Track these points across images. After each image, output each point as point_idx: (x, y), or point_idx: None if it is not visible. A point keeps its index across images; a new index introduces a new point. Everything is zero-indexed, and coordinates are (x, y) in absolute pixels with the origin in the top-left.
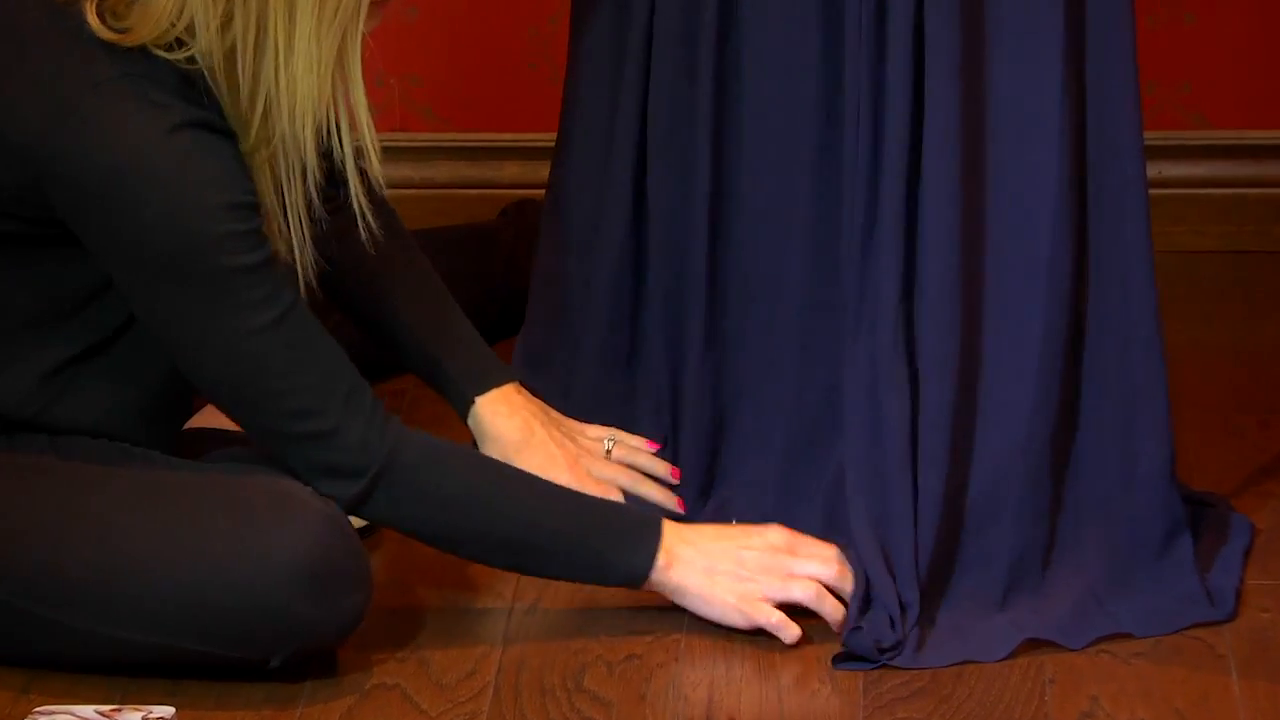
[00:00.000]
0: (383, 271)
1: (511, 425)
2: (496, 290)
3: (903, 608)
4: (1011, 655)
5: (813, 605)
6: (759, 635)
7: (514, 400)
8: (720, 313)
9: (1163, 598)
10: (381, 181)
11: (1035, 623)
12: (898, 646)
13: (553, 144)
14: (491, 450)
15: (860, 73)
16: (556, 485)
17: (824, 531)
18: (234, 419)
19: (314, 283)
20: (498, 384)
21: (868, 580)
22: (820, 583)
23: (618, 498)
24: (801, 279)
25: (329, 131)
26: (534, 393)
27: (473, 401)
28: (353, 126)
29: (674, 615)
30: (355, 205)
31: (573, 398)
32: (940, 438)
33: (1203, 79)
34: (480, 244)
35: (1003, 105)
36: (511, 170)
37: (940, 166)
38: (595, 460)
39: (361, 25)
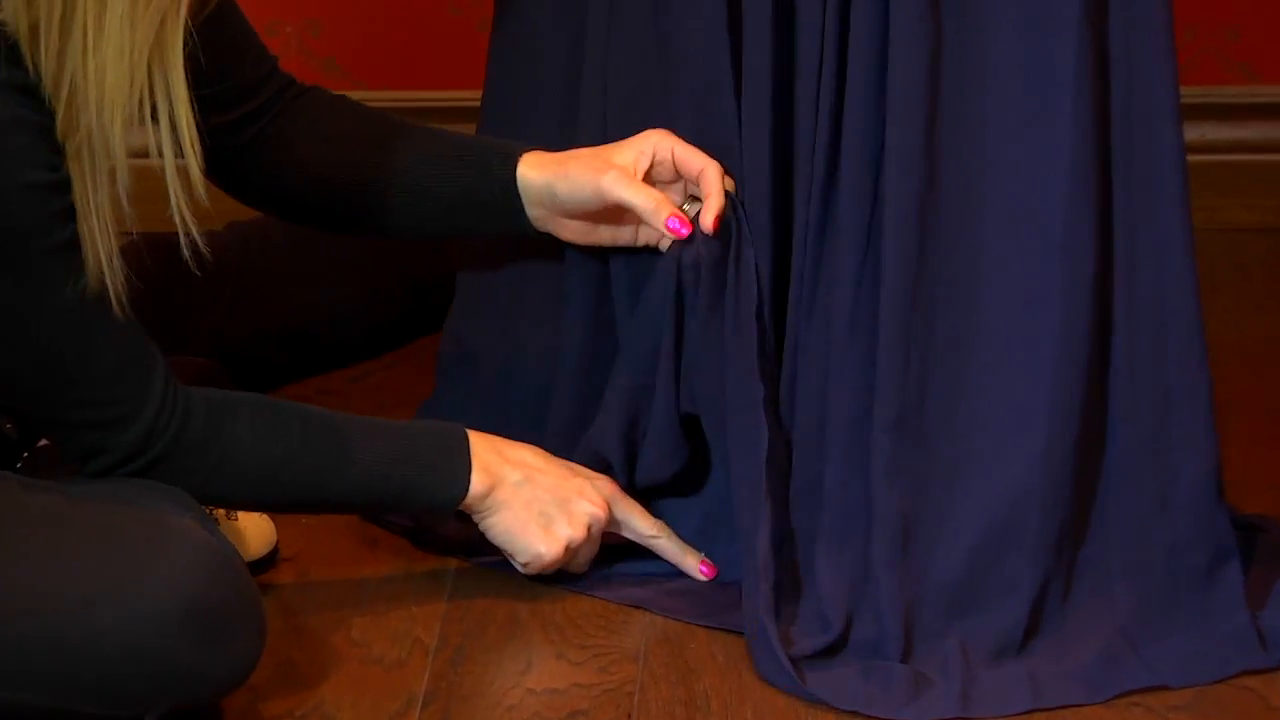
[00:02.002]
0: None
1: (566, 156)
2: (415, 279)
3: (882, 640)
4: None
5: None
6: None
7: (543, 155)
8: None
9: (1206, 640)
10: (203, 191)
11: (1054, 674)
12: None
13: (478, 104)
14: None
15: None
16: (364, 425)
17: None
18: (12, 405)
19: (123, 296)
20: (521, 152)
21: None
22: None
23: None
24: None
25: (149, 128)
26: (460, 394)
27: (519, 155)
28: (171, 124)
29: (618, 670)
30: (176, 217)
31: (513, 399)
32: (901, 446)
33: (1252, 24)
34: None
35: (995, 50)
36: None
37: (901, 125)
38: None
39: (184, 9)
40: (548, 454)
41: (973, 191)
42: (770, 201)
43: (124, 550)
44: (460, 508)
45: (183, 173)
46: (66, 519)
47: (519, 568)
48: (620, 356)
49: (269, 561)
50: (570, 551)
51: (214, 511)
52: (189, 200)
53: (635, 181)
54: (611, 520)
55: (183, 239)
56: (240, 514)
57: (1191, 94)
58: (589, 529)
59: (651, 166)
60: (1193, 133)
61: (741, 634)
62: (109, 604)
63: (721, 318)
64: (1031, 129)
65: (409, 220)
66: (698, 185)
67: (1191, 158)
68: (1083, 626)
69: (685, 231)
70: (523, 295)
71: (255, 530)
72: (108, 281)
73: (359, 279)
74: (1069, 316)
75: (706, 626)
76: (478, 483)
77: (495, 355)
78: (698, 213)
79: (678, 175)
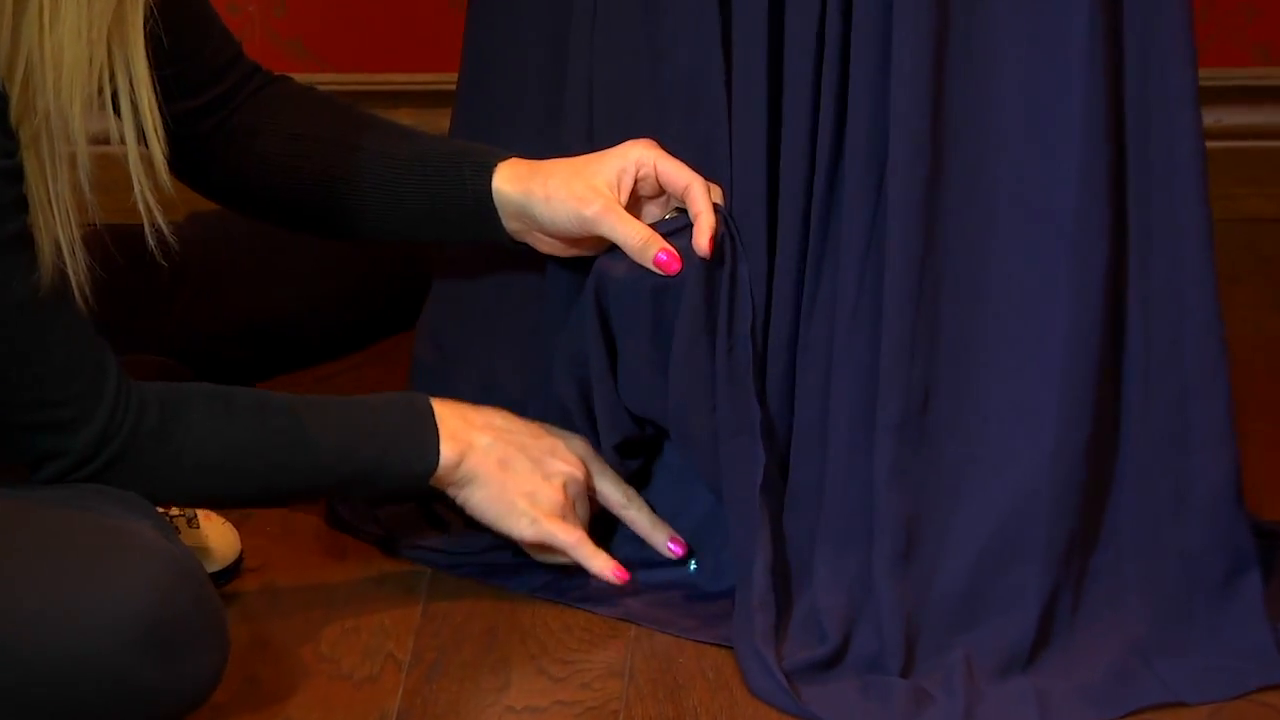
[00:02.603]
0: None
1: (548, 168)
2: (386, 275)
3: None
4: None
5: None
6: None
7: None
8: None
9: (1224, 654)
10: (167, 177)
11: (1064, 690)
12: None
13: (454, 88)
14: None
15: None
16: (324, 403)
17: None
18: None
19: (86, 288)
20: (499, 160)
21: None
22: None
23: None
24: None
25: (109, 111)
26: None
27: (494, 167)
28: (133, 105)
29: (602, 686)
30: (140, 204)
31: (495, 398)
32: (905, 447)
33: (1271, 4)
34: None
35: (1003, 30)
36: (404, 119)
37: (906, 110)
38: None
39: None
40: (515, 415)
41: (979, 180)
42: (766, 200)
43: (78, 560)
44: (433, 482)
45: (146, 158)
46: (17, 526)
47: (521, 538)
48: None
49: (233, 571)
50: (560, 511)
51: (174, 519)
52: (153, 187)
53: (620, 215)
54: (588, 479)
55: (147, 228)
56: (203, 522)
57: (1208, 77)
58: (564, 488)
59: (635, 183)
60: (1208, 118)
61: (731, 648)
62: (62, 618)
63: (711, 337)
64: (1041, 113)
65: (377, 225)
66: (683, 202)
67: (1207, 144)
68: (1094, 639)
69: (676, 267)
70: (505, 299)
71: (218, 538)
72: (69, 273)
73: (326, 274)
74: (1080, 311)
75: (695, 640)
76: (448, 451)
77: (475, 363)
78: (688, 240)
79: (661, 190)
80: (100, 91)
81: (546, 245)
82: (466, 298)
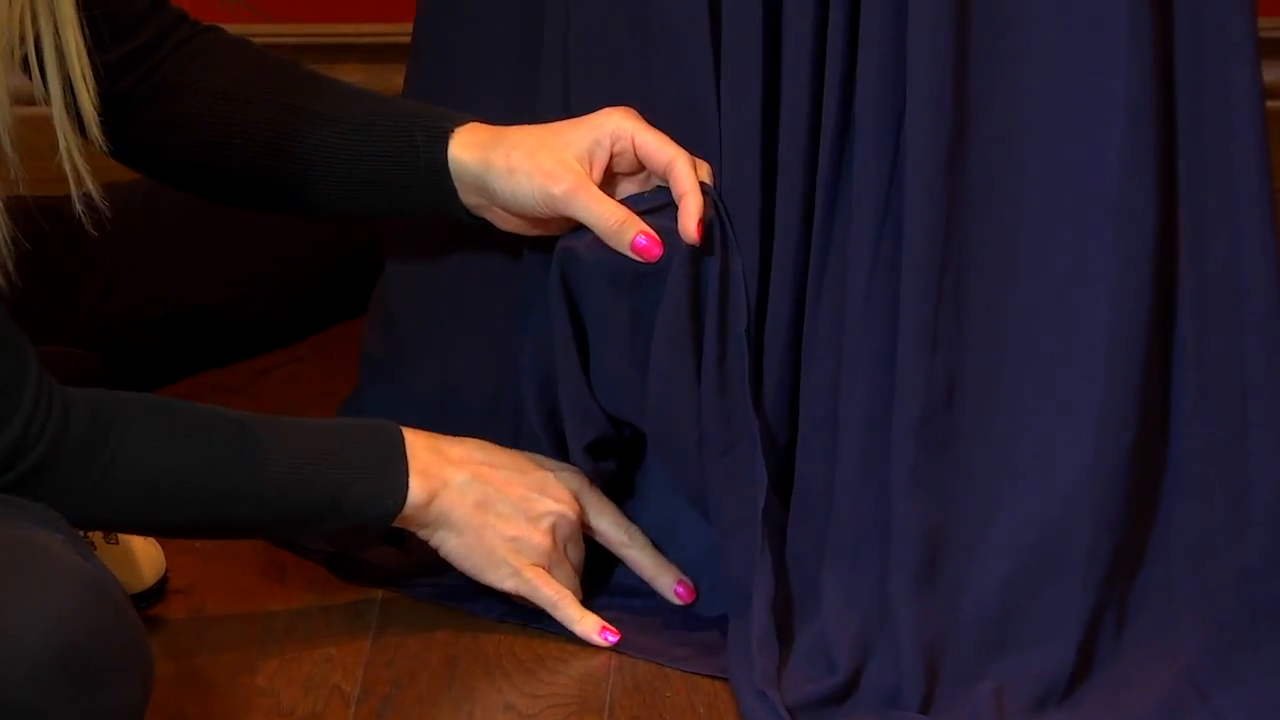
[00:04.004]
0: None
1: (511, 136)
2: (333, 255)
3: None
4: None
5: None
6: None
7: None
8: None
9: None
10: (98, 130)
11: None
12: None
13: (408, 39)
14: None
15: None
16: (278, 425)
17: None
18: None
19: (9, 263)
20: (457, 124)
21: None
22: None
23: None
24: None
25: (31, 60)
26: (390, 398)
27: (451, 132)
28: (59, 54)
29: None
30: (66, 164)
31: (458, 404)
32: (926, 451)
33: None
34: None
35: None
36: (352, 77)
37: (926, 65)
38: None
39: None
40: (496, 446)
41: (1010, 144)
42: (760, 172)
43: None
44: (399, 523)
45: (72, 111)
46: None
47: (567, 623)
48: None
49: (156, 594)
50: (546, 559)
51: (89, 534)
52: (81, 146)
53: (593, 193)
54: (582, 516)
55: (75, 193)
56: (122, 537)
57: (1268, 27)
58: (552, 531)
59: (610, 158)
60: (1270, 74)
61: (726, 680)
62: None
63: (696, 338)
64: (1080, 68)
65: (321, 198)
66: (665, 180)
67: (1270, 104)
68: (1140, 669)
69: (657, 252)
70: (469, 281)
71: (140, 556)
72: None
73: (262, 254)
74: (1126, 294)
75: (685, 671)
76: (417, 489)
77: (435, 357)
78: (671, 221)
79: (640, 166)
80: (22, 40)
81: (508, 223)
82: (423, 280)
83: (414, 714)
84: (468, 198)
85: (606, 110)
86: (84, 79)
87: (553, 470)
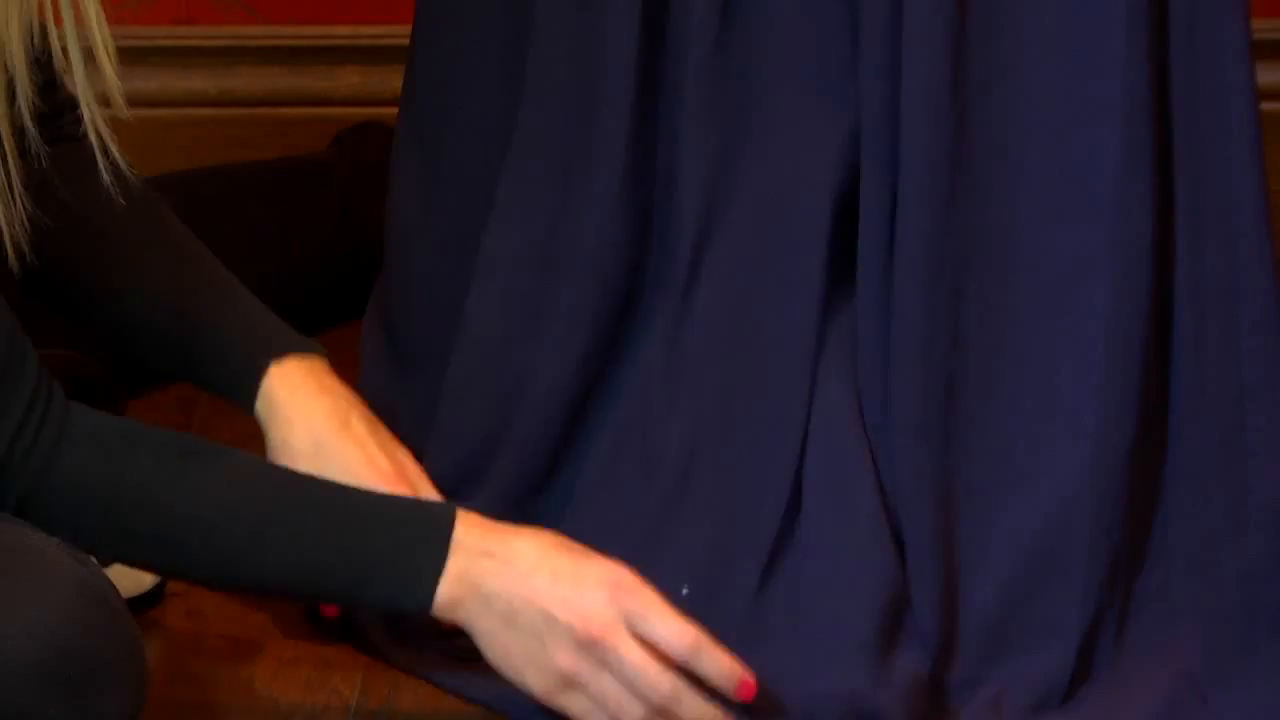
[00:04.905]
0: (119, 228)
1: (319, 406)
2: (328, 251)
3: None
4: None
5: None
6: None
7: (324, 378)
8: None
9: None
10: (121, 100)
11: None
12: None
13: (407, 41)
14: (285, 449)
15: None
16: (293, 478)
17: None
18: None
19: (25, 245)
20: (300, 352)
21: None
22: None
23: None
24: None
25: (46, 30)
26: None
27: (264, 369)
28: (79, 21)
29: None
30: (92, 133)
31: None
32: (915, 454)
33: None
34: (305, 186)
35: None
36: (349, 79)
37: (924, 63)
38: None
39: None
40: (555, 545)
41: (1005, 140)
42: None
43: None
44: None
45: (96, 80)
46: None
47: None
48: None
49: (154, 597)
50: (573, 679)
51: None
52: (106, 116)
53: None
54: (626, 630)
55: (101, 162)
56: None
57: (1264, 29)
58: (579, 652)
59: None
60: (1265, 76)
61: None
62: None
63: None
64: (1077, 65)
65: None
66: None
67: (1265, 106)
68: (1140, 671)
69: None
70: (467, 281)
71: None
72: (3, 227)
73: (262, 253)
74: (1123, 292)
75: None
76: (445, 592)
77: (433, 354)
78: None
79: None
80: (41, 11)
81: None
82: (423, 280)
83: (414, 717)
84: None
85: (605, 568)
86: (107, 48)
87: (597, 580)
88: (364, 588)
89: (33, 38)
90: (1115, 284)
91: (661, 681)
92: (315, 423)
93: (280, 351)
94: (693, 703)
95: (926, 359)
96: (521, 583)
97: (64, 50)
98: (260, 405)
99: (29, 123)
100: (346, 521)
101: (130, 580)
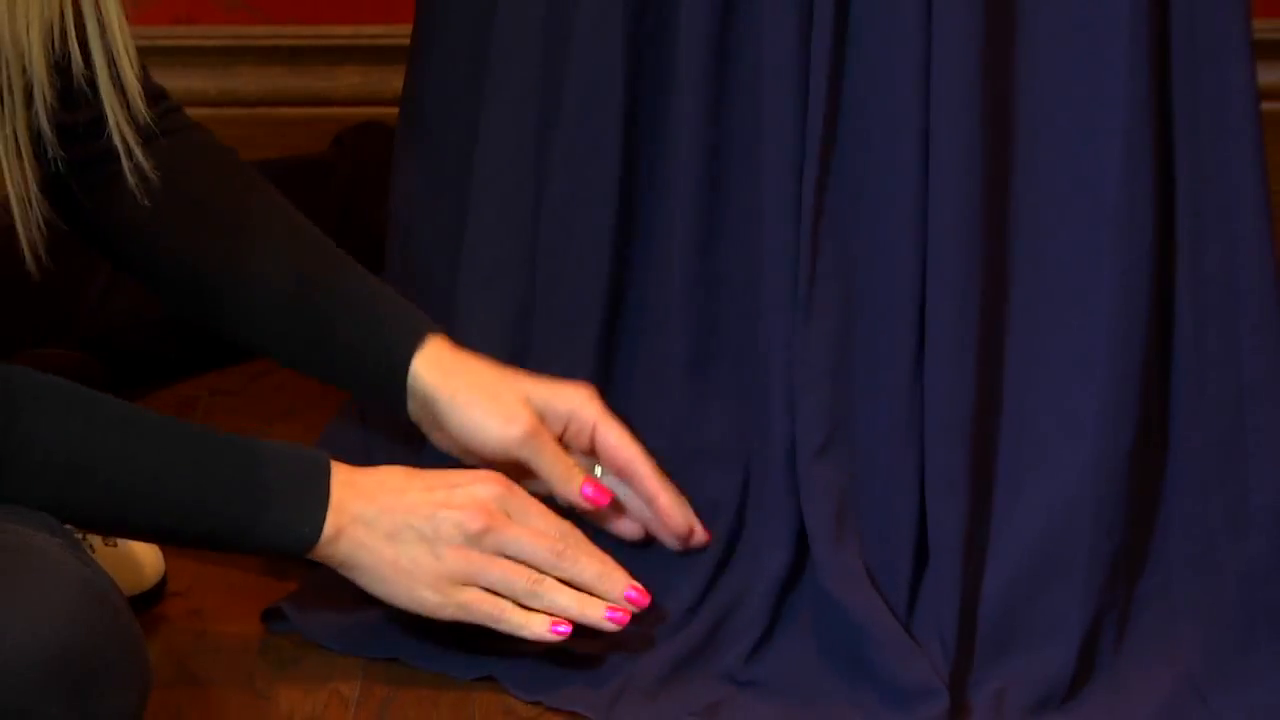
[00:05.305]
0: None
1: (476, 367)
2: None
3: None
4: None
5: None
6: None
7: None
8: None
9: None
10: (142, 104)
11: None
12: None
13: (408, 41)
14: (455, 406)
15: None
16: (183, 427)
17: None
18: None
19: (41, 248)
20: (429, 332)
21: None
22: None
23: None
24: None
25: (65, 33)
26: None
27: (415, 348)
28: (101, 26)
29: None
30: (116, 136)
31: None
32: (953, 459)
33: None
34: (305, 186)
35: None
36: (349, 79)
37: (950, 69)
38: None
39: None
40: (417, 470)
41: (1011, 146)
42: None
43: None
44: (315, 557)
45: (118, 84)
46: None
47: (515, 631)
48: None
49: (156, 595)
50: (468, 574)
51: (87, 536)
52: (128, 118)
53: (545, 444)
54: (504, 485)
55: (125, 164)
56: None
57: (1265, 29)
58: (470, 539)
59: (564, 433)
60: (1265, 76)
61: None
62: None
63: None
64: (1079, 71)
65: (266, 348)
66: (626, 481)
67: (1265, 106)
68: (1141, 672)
69: (604, 500)
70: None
71: (141, 557)
72: (19, 231)
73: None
74: (1125, 296)
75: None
76: (330, 523)
77: None
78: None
79: (592, 449)
80: (62, 16)
81: (443, 443)
82: (422, 281)
83: (412, 717)
84: (413, 407)
85: (572, 386)
86: (127, 53)
87: (468, 481)
88: (255, 526)
89: (54, 43)
90: (1116, 286)
91: (552, 540)
92: (478, 374)
93: (419, 334)
94: (584, 545)
95: (956, 361)
96: (397, 499)
97: (84, 54)
98: (415, 382)
99: (46, 126)
100: (233, 463)
101: (133, 579)
